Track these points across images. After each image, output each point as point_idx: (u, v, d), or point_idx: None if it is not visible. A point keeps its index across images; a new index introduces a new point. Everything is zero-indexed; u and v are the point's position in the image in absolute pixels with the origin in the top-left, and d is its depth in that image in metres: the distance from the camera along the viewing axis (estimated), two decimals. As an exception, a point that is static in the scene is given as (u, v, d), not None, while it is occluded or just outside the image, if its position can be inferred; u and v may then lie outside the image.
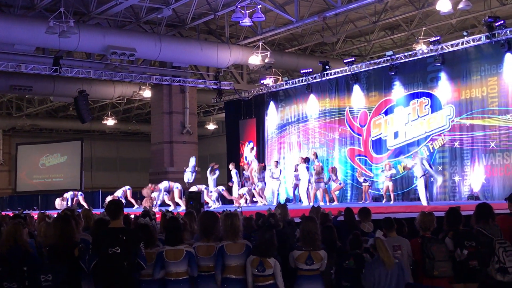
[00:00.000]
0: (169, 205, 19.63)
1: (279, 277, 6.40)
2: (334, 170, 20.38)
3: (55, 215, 7.72)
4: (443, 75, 19.99)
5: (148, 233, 6.58)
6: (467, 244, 6.94)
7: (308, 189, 19.81)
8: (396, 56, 21.20)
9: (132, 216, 8.92)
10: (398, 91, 21.32)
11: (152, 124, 29.40)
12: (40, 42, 20.75)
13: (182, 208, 18.08)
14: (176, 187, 20.08)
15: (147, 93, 29.96)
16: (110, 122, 38.24)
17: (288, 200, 21.85)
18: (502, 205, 12.86)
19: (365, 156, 22.18)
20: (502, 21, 18.40)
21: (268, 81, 25.88)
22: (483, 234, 7.13)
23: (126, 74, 24.33)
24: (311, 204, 17.53)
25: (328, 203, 19.46)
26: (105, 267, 6.07)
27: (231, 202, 21.22)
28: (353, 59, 23.13)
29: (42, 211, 9.55)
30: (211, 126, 41.65)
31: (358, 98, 22.59)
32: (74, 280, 6.23)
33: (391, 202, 19.22)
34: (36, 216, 10.75)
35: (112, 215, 6.33)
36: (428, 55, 20.23)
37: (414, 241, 7.19)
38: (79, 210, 8.37)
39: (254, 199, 20.99)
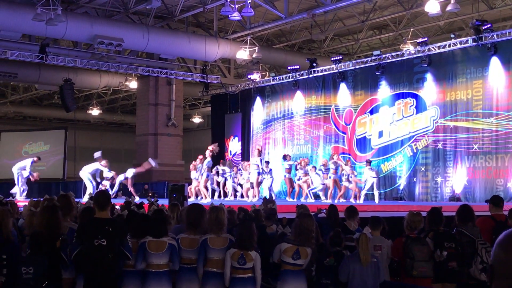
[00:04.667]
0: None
1: (259, 269, 6.36)
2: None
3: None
4: (429, 76, 20.12)
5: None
6: (447, 245, 6.90)
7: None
8: (383, 56, 21.30)
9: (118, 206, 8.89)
10: (384, 90, 21.42)
11: (137, 116, 29.26)
12: (27, 29, 20.56)
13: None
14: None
15: (133, 84, 29.82)
16: (95, 112, 38.05)
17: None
18: (483, 207, 12.98)
19: (349, 154, 22.25)
20: (489, 25, 18.57)
21: (255, 76, 25.88)
22: (465, 235, 7.13)
23: (112, 64, 24.20)
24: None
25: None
26: (89, 258, 6.03)
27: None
28: (340, 57, 23.22)
29: (35, 199, 9.35)
30: (196, 119, 41.56)
31: (344, 97, 22.68)
32: (55, 273, 6.15)
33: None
34: (19, 204, 10.69)
35: (100, 205, 6.25)
36: (415, 56, 20.36)
37: (398, 240, 7.19)
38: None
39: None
